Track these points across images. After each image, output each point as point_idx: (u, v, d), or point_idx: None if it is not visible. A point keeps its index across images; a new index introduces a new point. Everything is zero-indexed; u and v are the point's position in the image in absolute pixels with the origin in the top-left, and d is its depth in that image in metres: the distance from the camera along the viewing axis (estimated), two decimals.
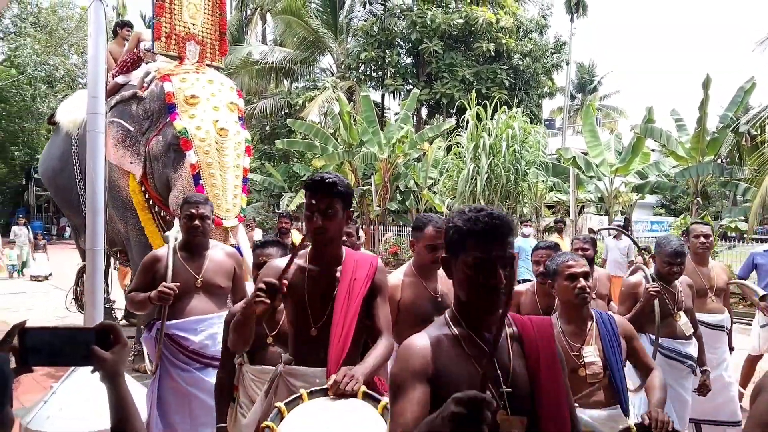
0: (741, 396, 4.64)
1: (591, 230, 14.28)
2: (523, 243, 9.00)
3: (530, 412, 1.50)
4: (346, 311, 2.18)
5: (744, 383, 5.26)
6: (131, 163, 5.51)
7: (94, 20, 3.80)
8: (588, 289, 2.50)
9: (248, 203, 13.08)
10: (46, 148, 8.44)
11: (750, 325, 6.03)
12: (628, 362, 2.58)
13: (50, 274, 13.76)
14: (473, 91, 17.86)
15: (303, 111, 22.23)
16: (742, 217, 15.05)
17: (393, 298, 2.84)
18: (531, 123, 16.14)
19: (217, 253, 3.44)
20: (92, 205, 3.77)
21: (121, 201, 5.80)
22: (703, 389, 3.70)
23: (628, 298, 3.68)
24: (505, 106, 15.05)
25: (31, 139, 27.14)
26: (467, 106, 15.35)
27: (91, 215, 3.76)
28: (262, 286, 1.92)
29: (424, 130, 18.96)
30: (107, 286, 7.72)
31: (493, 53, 23.74)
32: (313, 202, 2.16)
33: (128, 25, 7.17)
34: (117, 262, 9.10)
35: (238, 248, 4.40)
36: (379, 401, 1.90)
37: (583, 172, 15.71)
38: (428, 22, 23.48)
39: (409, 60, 26.50)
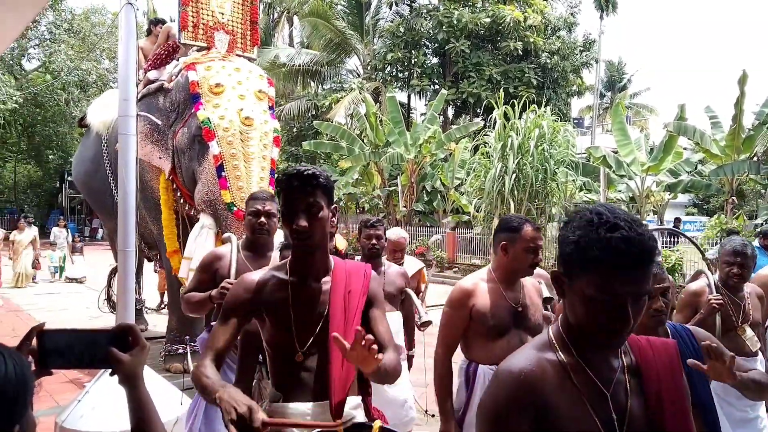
0: None
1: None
2: None
3: None
4: (344, 330, 1.79)
5: None
6: (159, 157, 5.36)
7: (124, 24, 3.82)
8: (664, 309, 2.13)
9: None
10: (78, 151, 8.52)
11: None
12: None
13: (84, 277, 14.05)
14: (501, 90, 17.69)
15: (329, 113, 22.32)
16: None
17: (465, 305, 2.58)
18: (559, 122, 15.91)
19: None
20: (124, 206, 3.79)
21: (153, 203, 5.76)
22: None
23: (687, 307, 3.36)
24: (534, 105, 14.87)
25: (65, 142, 27.77)
26: (495, 106, 15.21)
27: (123, 217, 3.78)
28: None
29: (451, 130, 18.85)
30: (139, 287, 7.81)
31: (520, 52, 23.46)
32: (293, 200, 1.83)
33: (162, 22, 7.05)
34: (156, 264, 9.11)
35: None
36: None
37: (614, 171, 15.45)
38: (455, 22, 23.33)
39: (435, 60, 26.38)
